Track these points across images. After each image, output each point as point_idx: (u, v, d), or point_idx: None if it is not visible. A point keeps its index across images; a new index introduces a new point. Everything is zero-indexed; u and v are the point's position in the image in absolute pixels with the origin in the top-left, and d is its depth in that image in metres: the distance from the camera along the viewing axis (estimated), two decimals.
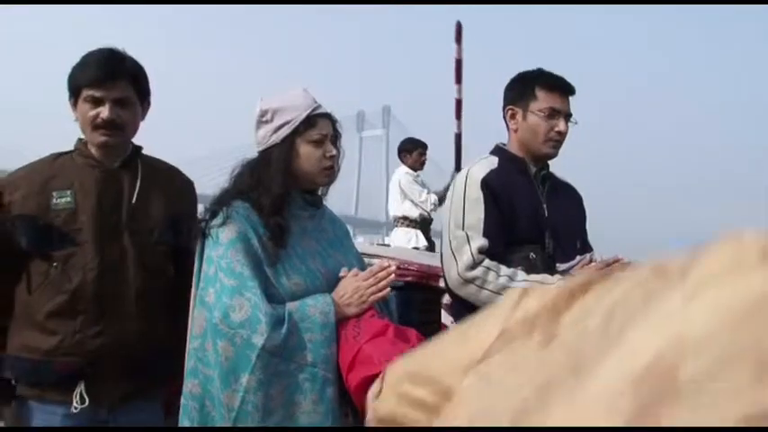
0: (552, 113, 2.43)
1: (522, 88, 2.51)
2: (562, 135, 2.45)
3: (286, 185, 1.86)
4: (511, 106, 2.53)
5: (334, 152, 1.93)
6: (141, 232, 2.03)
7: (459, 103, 4.71)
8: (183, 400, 1.77)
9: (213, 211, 1.85)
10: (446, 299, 2.87)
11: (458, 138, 4.72)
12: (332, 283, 1.85)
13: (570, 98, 2.51)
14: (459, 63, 4.62)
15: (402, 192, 5.94)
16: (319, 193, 2.02)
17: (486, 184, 2.34)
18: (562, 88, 2.49)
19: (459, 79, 4.65)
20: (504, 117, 2.55)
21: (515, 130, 2.50)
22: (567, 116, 2.47)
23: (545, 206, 2.44)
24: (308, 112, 1.90)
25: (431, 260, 3.16)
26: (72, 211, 1.98)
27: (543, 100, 2.45)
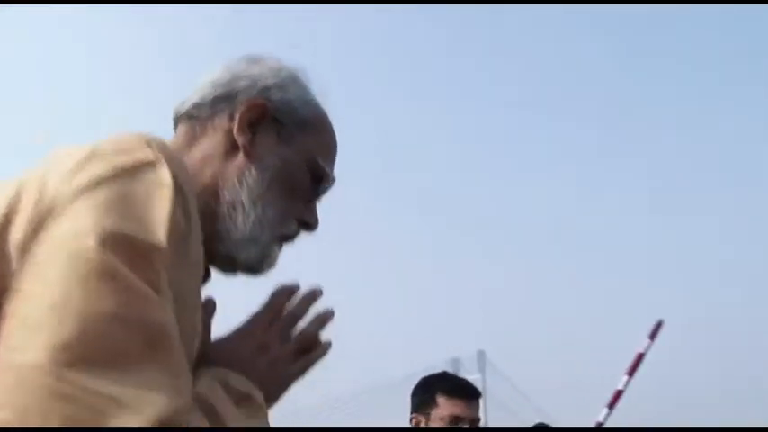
0: (454, 421, 2.31)
1: (424, 395, 2.40)
2: None
3: None
4: (414, 414, 2.41)
5: None
6: None
7: (618, 393, 4.14)
8: None
9: None
10: None
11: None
12: None
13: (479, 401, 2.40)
14: (640, 357, 4.05)
15: None
16: None
17: None
18: (464, 394, 2.38)
19: (632, 371, 4.04)
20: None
21: None
22: (473, 421, 2.34)
23: None
24: None
25: None
26: None
27: (444, 407, 2.32)
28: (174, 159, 0.84)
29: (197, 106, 1.05)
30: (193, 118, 1.05)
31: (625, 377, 4.19)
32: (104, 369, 0.65)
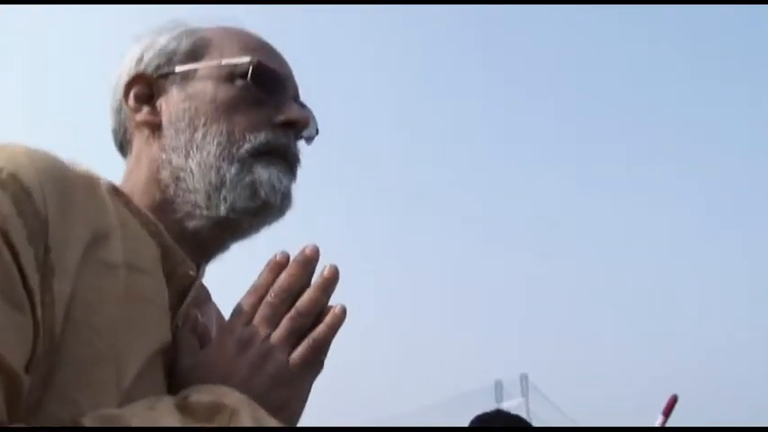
0: None
1: None
2: None
3: None
4: None
5: None
6: None
7: None
8: None
9: None
10: None
11: None
12: None
13: None
14: None
15: None
16: None
17: None
18: None
19: None
20: None
21: None
22: None
23: None
24: None
25: None
26: None
27: None
28: (5, 153, 0.74)
29: (114, 132, 0.99)
30: (120, 145, 0.99)
31: None
32: None
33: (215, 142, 0.89)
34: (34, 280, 0.68)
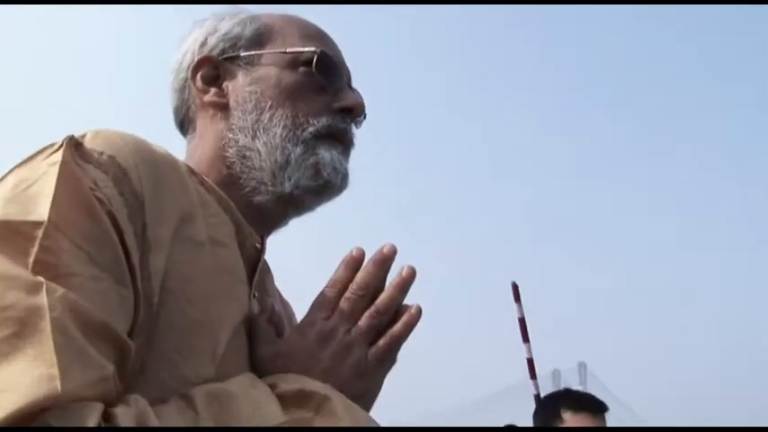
0: None
1: (548, 412, 2.34)
2: None
3: None
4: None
5: None
6: None
7: (530, 362, 4.26)
8: None
9: None
10: None
11: None
12: None
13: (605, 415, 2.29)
14: (522, 321, 4.18)
15: None
16: None
17: None
18: (590, 407, 2.31)
19: (525, 338, 4.19)
20: None
21: None
22: None
23: None
24: None
25: None
26: None
27: (570, 422, 2.25)
28: (102, 138, 0.79)
29: (175, 111, 1.06)
30: (180, 123, 1.06)
31: (525, 345, 4.20)
32: None
33: (281, 125, 0.95)
34: (135, 256, 0.74)
